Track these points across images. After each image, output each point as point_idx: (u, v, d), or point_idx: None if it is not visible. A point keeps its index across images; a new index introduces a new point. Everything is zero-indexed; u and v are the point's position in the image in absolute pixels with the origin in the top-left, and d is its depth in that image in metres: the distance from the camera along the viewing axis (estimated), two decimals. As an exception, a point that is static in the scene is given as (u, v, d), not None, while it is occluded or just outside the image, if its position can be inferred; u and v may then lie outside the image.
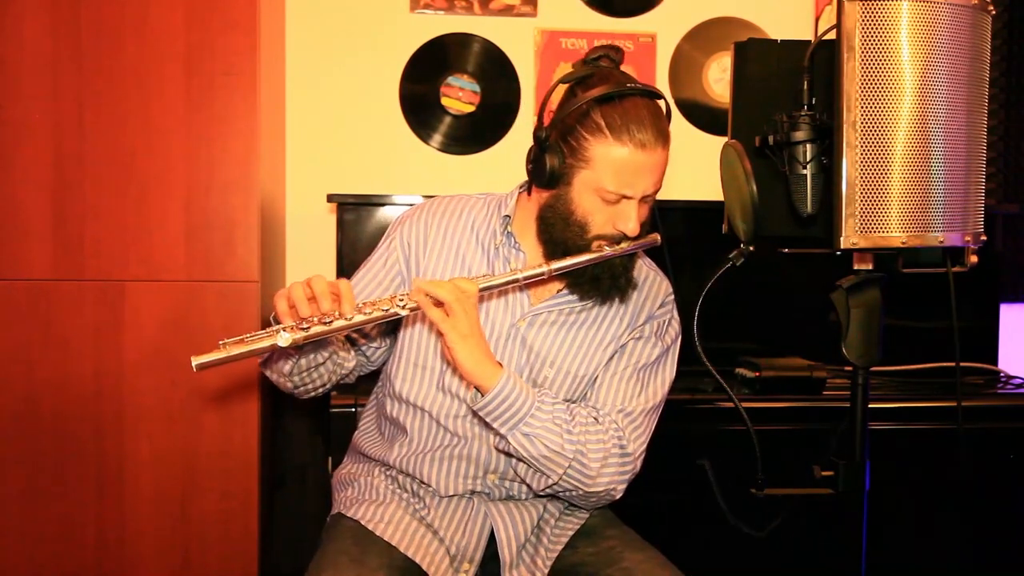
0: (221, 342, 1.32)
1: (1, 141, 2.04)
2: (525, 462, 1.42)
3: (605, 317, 1.55)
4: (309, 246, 2.64)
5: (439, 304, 1.37)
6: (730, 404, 2.04)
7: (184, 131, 2.09)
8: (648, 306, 1.56)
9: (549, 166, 1.41)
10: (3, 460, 2.08)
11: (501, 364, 1.41)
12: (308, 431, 2.55)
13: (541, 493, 1.49)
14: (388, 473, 1.59)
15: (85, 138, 2.06)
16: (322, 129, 2.65)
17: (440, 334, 1.38)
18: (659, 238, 1.50)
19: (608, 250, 1.44)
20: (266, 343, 1.32)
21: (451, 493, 1.53)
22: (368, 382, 1.70)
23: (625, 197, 1.40)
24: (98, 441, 2.09)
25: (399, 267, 1.57)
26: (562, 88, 1.46)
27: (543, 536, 1.55)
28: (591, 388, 1.53)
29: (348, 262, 2.35)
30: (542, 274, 1.44)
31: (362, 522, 1.53)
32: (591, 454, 1.42)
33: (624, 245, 1.45)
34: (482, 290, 1.42)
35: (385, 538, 1.49)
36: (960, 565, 2.16)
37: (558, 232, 1.45)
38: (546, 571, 1.51)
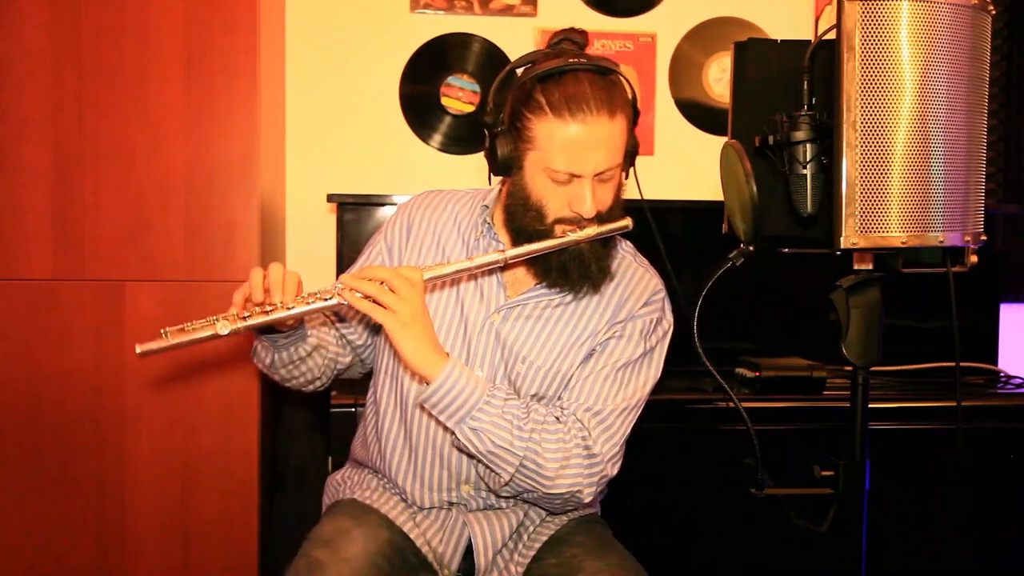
0: (163, 331, 1.35)
1: (1, 141, 2.04)
2: (475, 458, 1.39)
3: (583, 313, 1.49)
4: (309, 246, 2.64)
5: (376, 302, 1.33)
6: (730, 404, 2.03)
7: (184, 131, 2.08)
8: (630, 303, 1.50)
9: (500, 152, 1.40)
10: (3, 460, 2.07)
11: (448, 355, 1.36)
12: (308, 431, 2.55)
13: (502, 494, 1.45)
14: (376, 476, 1.59)
15: (85, 138, 2.06)
16: (322, 129, 2.64)
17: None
18: (631, 223, 1.44)
19: (571, 236, 1.40)
20: (206, 332, 1.36)
21: (428, 506, 1.52)
22: (368, 381, 1.69)
23: (575, 176, 1.37)
24: (98, 441, 2.09)
25: (383, 258, 1.56)
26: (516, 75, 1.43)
27: (519, 544, 1.52)
28: (565, 387, 1.48)
29: (348, 262, 2.33)
30: (497, 261, 1.40)
31: (358, 499, 1.54)
32: (547, 454, 1.36)
33: (590, 231, 1.40)
34: (429, 279, 1.37)
35: (383, 512, 1.51)
36: (960, 565, 2.16)
37: (519, 219, 1.42)
38: None
